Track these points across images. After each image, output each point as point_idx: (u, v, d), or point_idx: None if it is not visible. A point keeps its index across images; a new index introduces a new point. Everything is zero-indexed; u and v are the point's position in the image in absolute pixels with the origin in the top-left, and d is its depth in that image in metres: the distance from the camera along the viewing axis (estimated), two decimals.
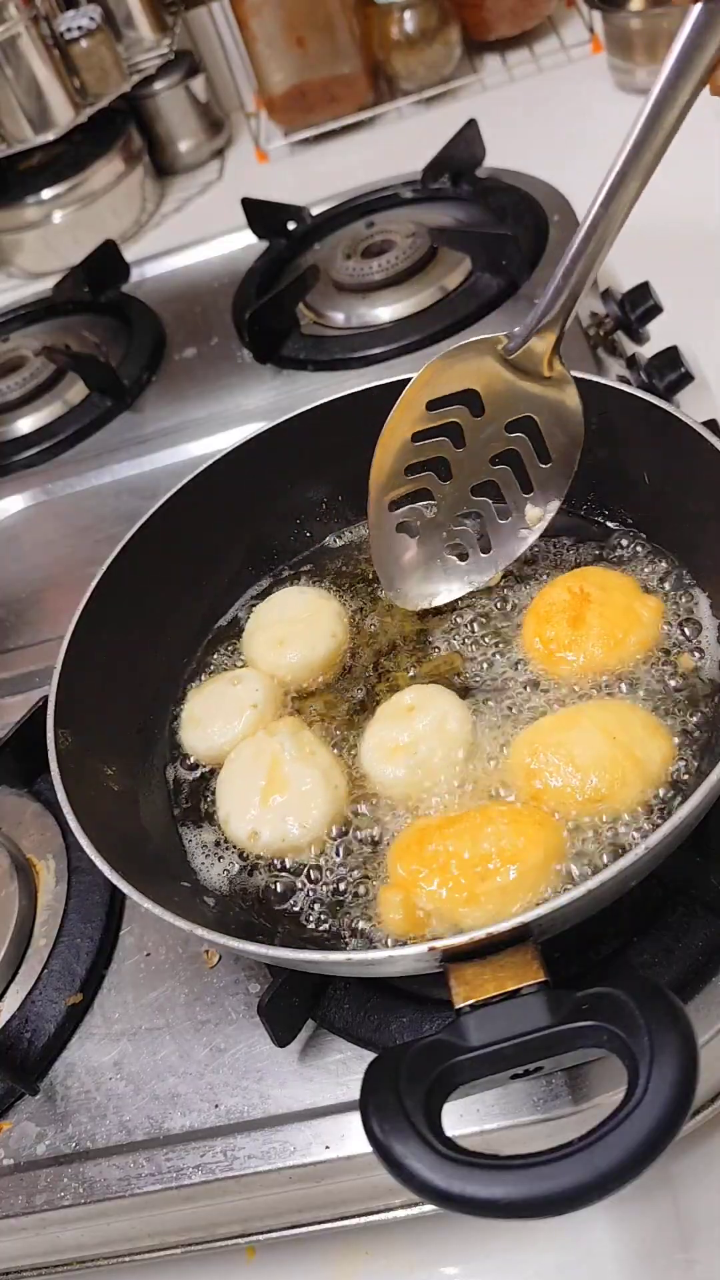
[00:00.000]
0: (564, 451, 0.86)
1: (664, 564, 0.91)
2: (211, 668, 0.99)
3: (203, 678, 0.98)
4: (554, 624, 0.86)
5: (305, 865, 0.81)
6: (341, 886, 0.79)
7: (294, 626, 0.94)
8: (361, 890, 0.79)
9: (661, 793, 0.76)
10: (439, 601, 0.94)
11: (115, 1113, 0.80)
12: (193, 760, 0.92)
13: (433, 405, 0.86)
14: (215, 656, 1.00)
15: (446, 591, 0.94)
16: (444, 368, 0.85)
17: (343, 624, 0.95)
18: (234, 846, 0.84)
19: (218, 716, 0.90)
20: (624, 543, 0.94)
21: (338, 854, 0.81)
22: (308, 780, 0.82)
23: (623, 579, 0.89)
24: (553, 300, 0.78)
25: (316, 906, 0.79)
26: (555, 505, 0.89)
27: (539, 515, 0.90)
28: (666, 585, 0.89)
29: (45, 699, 0.84)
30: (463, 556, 0.94)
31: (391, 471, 0.89)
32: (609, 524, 0.96)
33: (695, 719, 0.80)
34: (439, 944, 0.61)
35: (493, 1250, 0.79)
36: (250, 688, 0.91)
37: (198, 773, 0.91)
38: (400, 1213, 0.78)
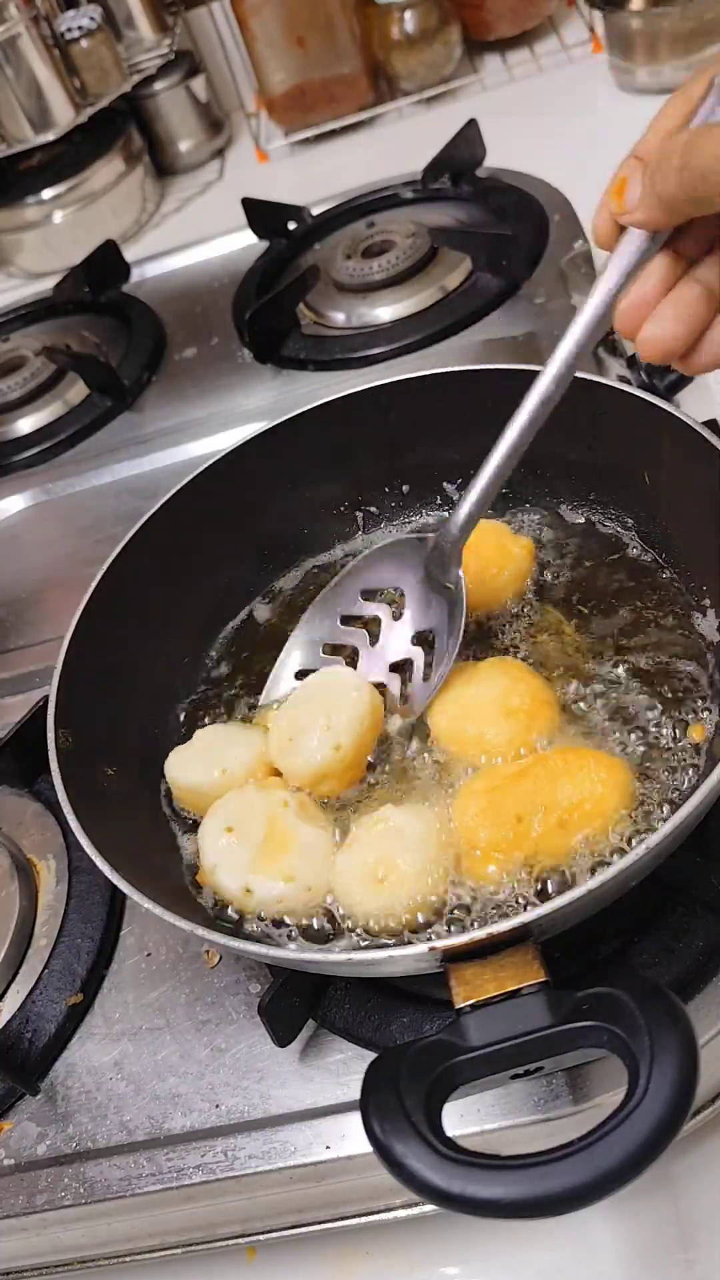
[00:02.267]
0: (447, 648, 0.86)
1: (664, 564, 0.91)
2: (211, 668, 0.99)
3: (204, 686, 0.98)
4: None
5: None
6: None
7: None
8: None
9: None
10: None
11: (116, 1113, 0.80)
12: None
13: (365, 594, 0.93)
14: (215, 653, 1.00)
15: None
16: (379, 557, 0.91)
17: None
18: None
19: (200, 757, 0.87)
20: (623, 543, 0.94)
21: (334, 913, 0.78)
22: (313, 839, 0.79)
23: (495, 524, 0.96)
24: (464, 523, 0.81)
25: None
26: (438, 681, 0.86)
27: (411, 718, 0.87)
28: (665, 584, 0.89)
29: (45, 699, 0.83)
30: None
31: (308, 646, 0.93)
32: (609, 524, 0.96)
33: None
34: (439, 944, 0.61)
35: (493, 1250, 0.79)
36: (238, 755, 0.86)
37: None
38: (400, 1213, 0.78)
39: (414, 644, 0.90)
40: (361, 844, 0.77)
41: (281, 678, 0.93)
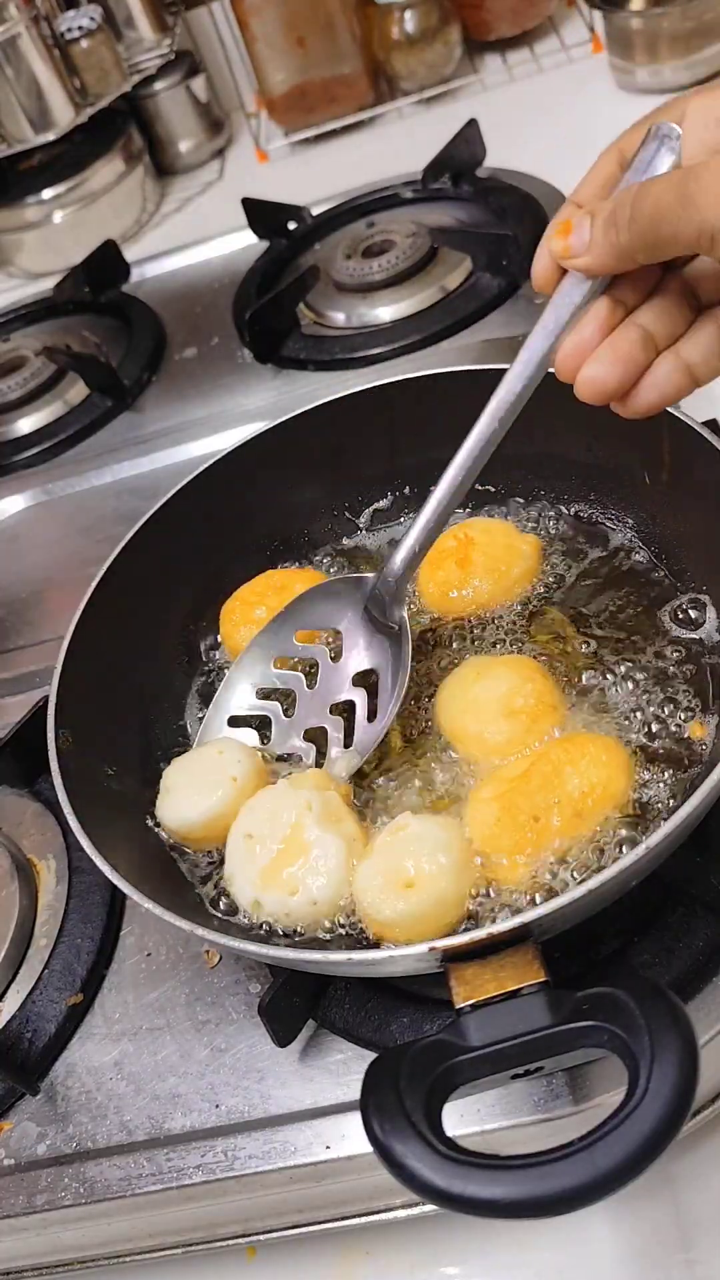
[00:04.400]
0: (392, 690, 0.84)
1: (664, 564, 0.91)
2: (211, 668, 0.99)
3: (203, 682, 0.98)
4: (444, 568, 0.92)
5: None
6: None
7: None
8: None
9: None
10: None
11: (116, 1113, 0.80)
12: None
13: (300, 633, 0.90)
14: (215, 653, 1.00)
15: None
16: (315, 598, 0.89)
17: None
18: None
19: (194, 785, 0.84)
20: (623, 543, 0.94)
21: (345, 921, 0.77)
22: (326, 850, 0.76)
23: (502, 523, 0.96)
24: (406, 561, 0.80)
25: None
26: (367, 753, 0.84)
27: (355, 762, 0.84)
28: (665, 585, 0.89)
29: (45, 699, 0.84)
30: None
31: (242, 691, 0.90)
32: (609, 524, 0.96)
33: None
34: (439, 944, 0.61)
35: (493, 1250, 0.79)
36: (232, 758, 0.84)
37: None
38: (400, 1213, 0.78)
39: (354, 685, 0.87)
40: (381, 854, 0.74)
41: (214, 722, 0.90)
